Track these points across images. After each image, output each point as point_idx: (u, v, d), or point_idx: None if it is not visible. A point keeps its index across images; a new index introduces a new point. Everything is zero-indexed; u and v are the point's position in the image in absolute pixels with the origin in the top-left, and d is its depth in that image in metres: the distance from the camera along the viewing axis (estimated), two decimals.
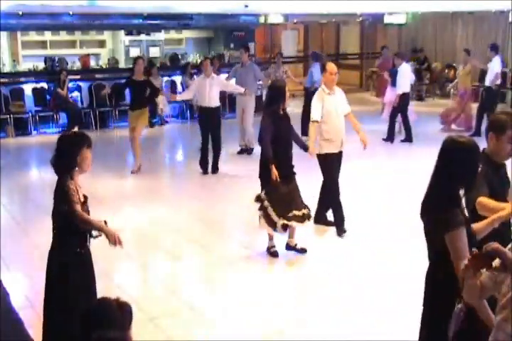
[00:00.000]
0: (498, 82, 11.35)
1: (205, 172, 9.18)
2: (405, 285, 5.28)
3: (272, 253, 5.96)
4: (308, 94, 11.28)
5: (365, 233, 6.49)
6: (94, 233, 3.72)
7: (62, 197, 3.60)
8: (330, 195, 6.53)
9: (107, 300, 2.36)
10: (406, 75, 10.91)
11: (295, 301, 5.05)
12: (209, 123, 9.17)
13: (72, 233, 3.67)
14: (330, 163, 6.40)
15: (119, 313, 2.27)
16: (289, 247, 6.01)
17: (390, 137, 11.14)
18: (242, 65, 10.42)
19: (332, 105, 6.34)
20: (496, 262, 2.39)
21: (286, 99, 5.77)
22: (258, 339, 4.39)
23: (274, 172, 5.61)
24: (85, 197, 3.78)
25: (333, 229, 6.54)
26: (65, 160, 3.65)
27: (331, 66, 6.40)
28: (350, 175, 7.49)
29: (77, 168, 3.67)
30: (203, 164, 9.20)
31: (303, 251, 5.99)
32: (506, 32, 15.43)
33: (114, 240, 3.65)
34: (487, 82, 11.39)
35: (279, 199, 5.71)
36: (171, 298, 5.12)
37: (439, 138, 3.31)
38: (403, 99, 10.85)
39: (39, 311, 4.76)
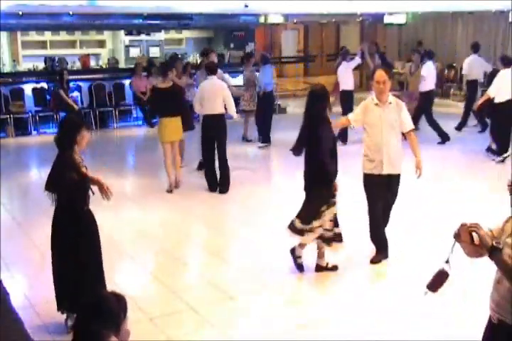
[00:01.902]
0: (431, 87, 11.51)
1: (211, 189, 8.28)
2: (405, 285, 5.28)
3: (298, 265, 5.53)
4: (259, 100, 11.18)
5: (363, 234, 6.49)
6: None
7: (72, 166, 4.26)
8: (370, 225, 5.80)
9: (104, 293, 2.49)
10: (348, 74, 11.32)
11: (295, 301, 5.04)
12: (211, 132, 8.23)
13: (79, 194, 4.35)
14: (370, 187, 5.62)
15: (116, 305, 2.37)
16: (319, 268, 5.58)
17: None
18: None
19: (377, 118, 5.45)
20: (477, 239, 2.58)
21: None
22: (258, 339, 4.39)
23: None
24: (86, 168, 4.41)
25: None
26: (68, 137, 4.33)
27: (377, 74, 5.44)
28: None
29: (76, 145, 4.33)
30: (210, 180, 8.34)
31: (334, 268, 5.57)
32: (506, 32, 15.44)
33: (105, 191, 4.40)
34: (420, 88, 11.42)
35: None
36: (171, 298, 5.12)
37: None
38: (345, 97, 11.22)
39: (39, 311, 4.78)
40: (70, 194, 4.31)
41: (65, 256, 4.40)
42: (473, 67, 12.38)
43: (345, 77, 11.34)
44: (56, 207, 4.42)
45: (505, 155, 9.49)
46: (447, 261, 2.78)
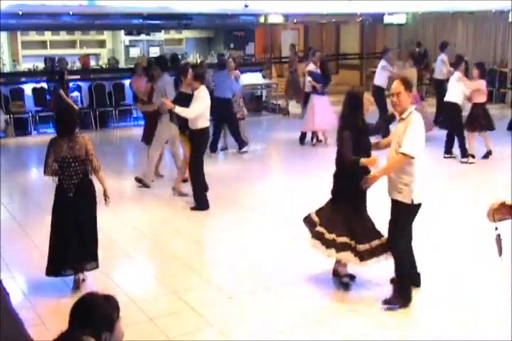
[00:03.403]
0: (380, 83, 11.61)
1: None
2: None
3: (344, 284, 5.24)
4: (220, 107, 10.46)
5: None
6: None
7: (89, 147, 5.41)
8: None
9: (94, 295, 2.44)
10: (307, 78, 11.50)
11: (294, 301, 5.04)
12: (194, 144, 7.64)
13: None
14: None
15: (108, 306, 2.36)
16: (335, 274, 5.39)
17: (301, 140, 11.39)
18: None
19: (393, 132, 4.95)
20: None
21: (364, 108, 5.02)
22: (258, 339, 4.39)
23: (372, 161, 4.83)
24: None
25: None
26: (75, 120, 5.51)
27: (393, 84, 4.82)
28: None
29: None
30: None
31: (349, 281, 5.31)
32: (506, 32, 15.45)
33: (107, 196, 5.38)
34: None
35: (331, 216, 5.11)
36: (171, 298, 5.12)
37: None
38: (307, 99, 11.52)
39: (39, 311, 4.78)
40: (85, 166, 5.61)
41: (87, 219, 5.18)
42: (439, 66, 12.52)
43: (306, 80, 11.56)
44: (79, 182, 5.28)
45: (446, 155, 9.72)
46: (496, 228, 3.31)
